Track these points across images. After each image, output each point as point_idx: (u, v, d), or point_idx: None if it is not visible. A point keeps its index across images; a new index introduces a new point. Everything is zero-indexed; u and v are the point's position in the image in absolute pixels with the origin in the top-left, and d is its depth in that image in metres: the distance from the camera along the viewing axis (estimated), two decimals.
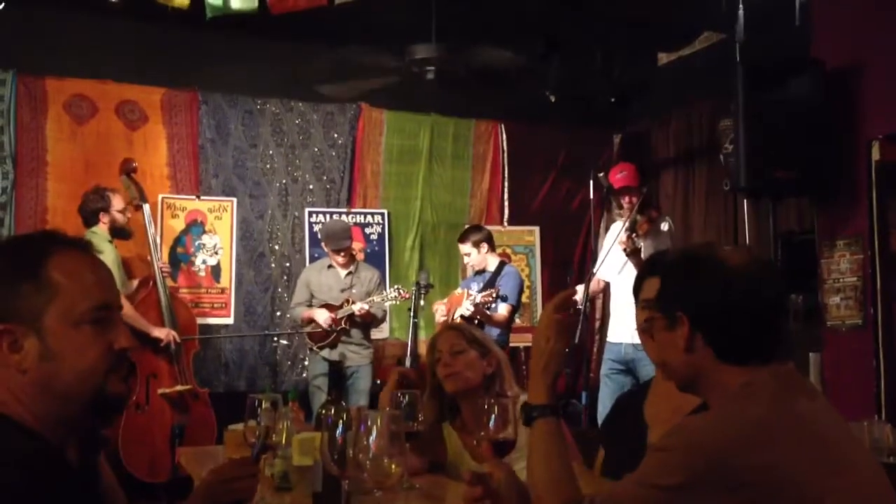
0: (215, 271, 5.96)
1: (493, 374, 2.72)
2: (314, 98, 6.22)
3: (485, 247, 5.61)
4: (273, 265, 6.14)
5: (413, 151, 6.54)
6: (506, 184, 6.80)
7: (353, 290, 5.51)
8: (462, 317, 5.23)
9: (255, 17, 4.60)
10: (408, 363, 5.08)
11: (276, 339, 6.07)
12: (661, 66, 6.31)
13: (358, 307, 5.36)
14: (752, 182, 4.19)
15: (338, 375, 2.72)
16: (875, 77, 4.14)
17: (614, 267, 5.21)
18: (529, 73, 5.64)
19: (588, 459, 2.24)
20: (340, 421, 1.79)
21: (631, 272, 4.73)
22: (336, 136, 6.35)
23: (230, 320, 5.97)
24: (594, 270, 5.34)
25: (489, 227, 6.03)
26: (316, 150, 6.29)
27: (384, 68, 5.44)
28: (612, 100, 5.99)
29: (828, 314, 4.29)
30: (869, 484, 1.44)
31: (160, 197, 5.78)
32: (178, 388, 5.05)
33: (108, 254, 4.81)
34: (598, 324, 6.59)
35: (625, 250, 4.94)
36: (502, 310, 5.40)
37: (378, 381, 5.58)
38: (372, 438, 1.70)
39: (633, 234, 4.95)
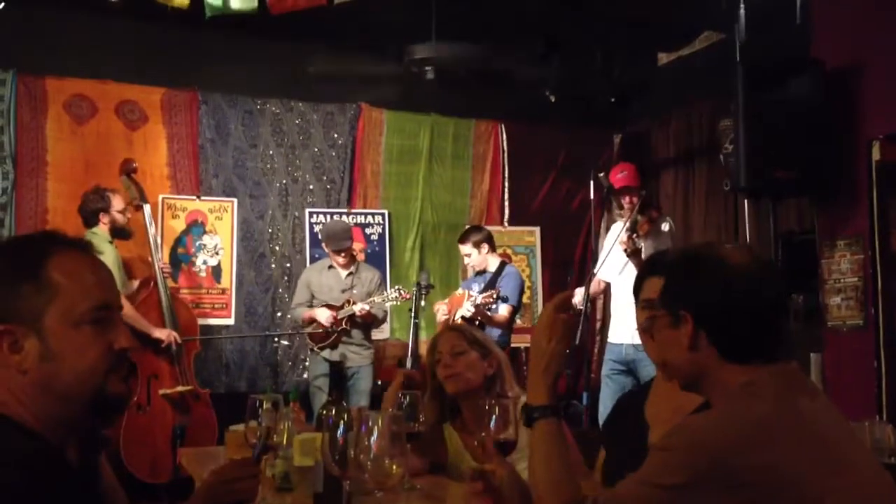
0: (216, 272, 5.96)
1: (493, 374, 2.72)
2: (314, 98, 6.22)
3: (485, 247, 5.60)
4: (273, 266, 6.14)
5: (413, 151, 6.54)
6: (506, 184, 6.80)
7: (354, 291, 5.50)
8: (463, 318, 5.22)
9: (254, 17, 4.60)
10: (409, 364, 5.08)
11: (276, 339, 6.07)
12: (661, 66, 6.31)
13: (359, 308, 5.36)
14: (753, 182, 4.18)
15: (338, 376, 2.73)
16: (875, 77, 4.13)
17: (615, 267, 5.21)
18: (530, 72, 5.64)
19: (589, 460, 2.24)
20: (341, 421, 1.79)
21: (632, 272, 4.72)
22: (336, 136, 6.35)
23: (231, 321, 5.97)
24: (595, 271, 5.34)
25: (489, 228, 6.02)
26: (316, 150, 6.29)
27: (384, 68, 5.45)
28: (612, 100, 5.99)
29: (828, 314, 4.29)
30: (870, 484, 1.44)
31: (160, 197, 5.78)
32: (180, 388, 5.06)
33: (109, 254, 4.81)
34: (598, 324, 6.59)
35: (625, 250, 4.94)
36: (503, 310, 5.40)
37: (379, 382, 5.58)
38: (373, 439, 1.70)
39: (634, 235, 4.95)
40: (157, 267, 5.24)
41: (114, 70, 5.64)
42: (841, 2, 4.33)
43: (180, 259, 5.87)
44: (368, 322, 5.50)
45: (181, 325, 5.26)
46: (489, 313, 5.31)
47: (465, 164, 6.71)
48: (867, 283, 4.13)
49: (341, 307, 5.43)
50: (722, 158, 4.92)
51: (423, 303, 5.35)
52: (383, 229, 6.40)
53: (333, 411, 1.90)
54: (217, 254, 5.97)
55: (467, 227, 6.00)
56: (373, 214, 6.40)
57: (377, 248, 6.37)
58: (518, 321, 5.86)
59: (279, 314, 6.09)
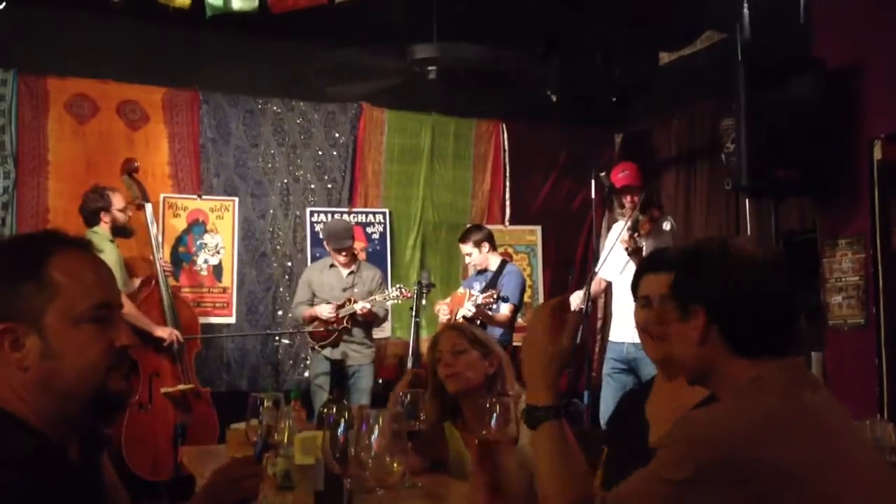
0: (217, 271, 5.96)
1: (494, 373, 2.73)
2: (315, 97, 6.22)
3: (486, 246, 5.61)
4: (275, 264, 6.15)
5: (414, 151, 6.54)
6: (507, 183, 6.80)
7: (355, 290, 5.51)
8: (464, 317, 5.23)
9: (255, 17, 4.60)
10: (409, 363, 5.09)
11: (277, 338, 6.08)
12: (662, 66, 6.31)
13: (360, 306, 5.37)
14: (754, 181, 4.18)
15: (339, 374, 2.72)
16: (877, 76, 4.13)
17: (616, 266, 5.21)
18: (531, 72, 5.64)
19: (589, 459, 2.24)
20: (342, 420, 1.79)
21: (633, 272, 4.71)
22: (337, 135, 6.35)
23: (232, 319, 5.97)
24: (596, 270, 5.34)
25: (490, 227, 6.03)
26: (317, 149, 6.30)
27: (385, 68, 5.45)
28: (614, 99, 5.99)
29: (830, 313, 4.29)
30: (874, 480, 1.44)
31: (162, 196, 5.79)
32: (181, 387, 5.06)
33: (110, 253, 4.81)
34: (599, 323, 6.59)
35: (627, 250, 4.94)
36: (504, 310, 5.40)
37: (380, 381, 5.59)
38: (374, 437, 1.70)
39: (635, 234, 4.95)
40: (158, 266, 5.24)
41: (115, 70, 5.64)
42: (842, 1, 4.33)
43: (181, 258, 5.87)
44: (369, 321, 5.51)
45: (182, 323, 5.26)
46: (490, 313, 5.32)
47: (466, 163, 6.71)
48: (868, 282, 4.13)
49: (342, 306, 5.43)
50: (723, 158, 4.91)
51: (423, 302, 5.35)
52: (384, 228, 6.40)
53: (334, 409, 1.90)
54: (218, 253, 5.97)
55: (468, 226, 6.01)
56: (374, 213, 6.40)
57: (378, 247, 6.37)
58: (520, 320, 5.86)
59: (280, 313, 6.09)
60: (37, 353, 1.36)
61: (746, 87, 4.16)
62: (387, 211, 6.44)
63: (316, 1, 4.57)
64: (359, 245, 6.08)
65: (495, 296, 5.25)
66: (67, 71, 5.57)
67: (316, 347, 5.50)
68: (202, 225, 5.93)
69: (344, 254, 5.51)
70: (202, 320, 5.65)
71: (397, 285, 5.62)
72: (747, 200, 5.13)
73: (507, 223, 6.77)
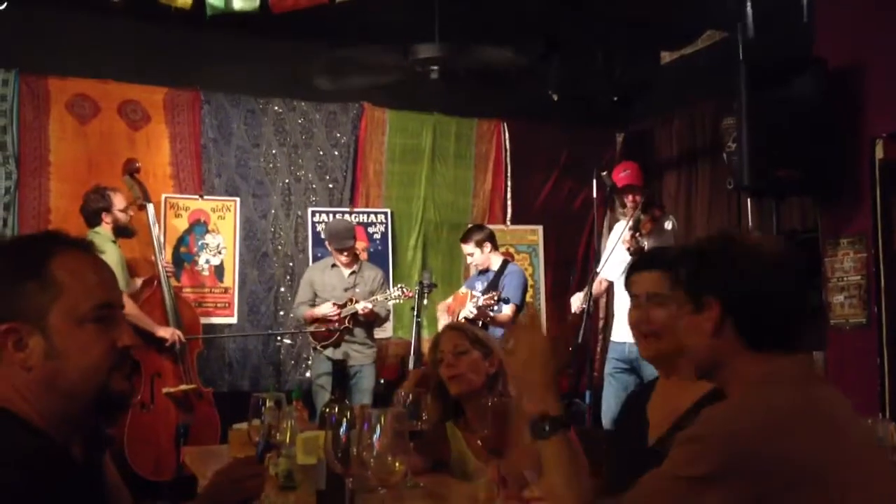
0: (219, 271, 5.97)
1: (495, 373, 2.73)
2: (317, 97, 6.22)
3: (488, 246, 5.61)
4: (276, 265, 6.15)
5: (416, 151, 6.54)
6: (508, 183, 6.80)
7: (357, 290, 5.51)
8: (466, 318, 5.23)
9: (256, 17, 4.60)
10: (411, 363, 5.09)
11: (279, 338, 6.08)
12: (663, 65, 6.31)
13: (361, 306, 5.37)
14: (756, 181, 4.18)
15: (341, 373, 2.72)
16: (878, 76, 4.13)
17: (618, 266, 5.21)
18: (532, 72, 5.64)
19: (590, 458, 2.24)
20: (344, 419, 1.79)
21: None
22: (339, 135, 6.35)
23: (234, 320, 5.97)
24: (598, 269, 5.34)
25: (492, 227, 6.03)
26: (319, 149, 6.30)
27: (386, 67, 5.44)
28: (615, 99, 5.99)
29: (831, 312, 4.29)
30: (882, 475, 1.44)
31: (163, 197, 5.79)
32: (183, 387, 5.06)
33: (112, 254, 4.80)
34: (601, 323, 6.58)
35: (628, 249, 4.94)
36: (506, 310, 5.40)
37: (381, 381, 5.59)
38: (376, 437, 1.70)
39: (637, 233, 4.95)
40: (160, 266, 5.24)
41: (116, 70, 5.64)
42: (843, 1, 4.33)
43: (183, 258, 5.87)
44: (371, 321, 5.51)
45: (184, 324, 5.27)
46: (491, 314, 5.32)
47: (467, 163, 6.71)
48: (870, 282, 4.13)
49: (344, 305, 5.44)
50: (725, 157, 4.91)
51: (425, 301, 5.35)
52: (386, 228, 6.40)
53: (336, 409, 1.90)
54: (220, 253, 5.98)
55: (470, 226, 6.00)
56: (375, 213, 6.40)
57: (380, 247, 6.37)
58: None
59: (282, 313, 6.09)
60: (40, 353, 1.37)
61: (748, 87, 4.16)
62: (388, 211, 6.44)
63: (316, 1, 4.57)
64: (360, 245, 6.08)
65: (496, 297, 5.26)
66: (69, 71, 5.57)
67: (318, 347, 5.51)
68: (204, 225, 5.94)
69: (346, 254, 5.52)
70: (204, 320, 5.65)
71: (399, 285, 5.62)
72: (749, 200, 5.12)
73: (508, 223, 6.76)
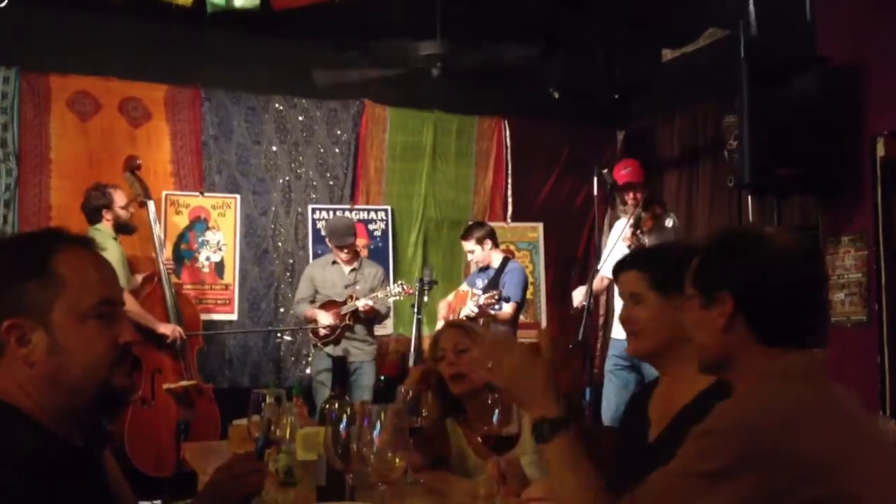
0: (219, 268, 5.97)
1: None
2: (317, 94, 6.22)
3: (488, 243, 5.61)
4: (277, 262, 6.15)
5: (416, 148, 6.54)
6: (509, 180, 6.80)
7: (357, 287, 5.51)
8: (467, 317, 5.24)
9: (257, 14, 4.60)
10: (411, 360, 5.09)
11: (279, 335, 6.09)
12: (665, 63, 6.29)
13: (362, 303, 5.37)
14: (757, 179, 4.18)
15: (341, 370, 2.72)
16: (879, 74, 4.13)
17: None
18: (533, 69, 5.63)
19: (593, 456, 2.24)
20: (344, 416, 1.79)
21: None
22: (339, 132, 6.35)
23: (234, 316, 5.98)
24: (598, 267, 5.33)
25: (492, 224, 6.03)
26: (319, 146, 6.30)
27: (387, 64, 5.44)
28: (616, 96, 5.98)
29: (832, 310, 4.28)
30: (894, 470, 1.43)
31: (164, 194, 5.79)
32: (183, 383, 5.07)
33: (113, 251, 4.81)
34: (601, 320, 6.58)
35: (629, 247, 4.94)
36: (507, 308, 5.40)
37: (382, 378, 5.60)
38: (376, 433, 1.70)
39: (638, 231, 4.95)
40: (160, 263, 5.25)
41: (117, 67, 5.64)
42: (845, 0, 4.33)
43: (183, 255, 5.88)
44: (371, 317, 5.51)
45: (185, 320, 5.27)
46: (492, 312, 5.32)
47: (468, 160, 6.71)
48: (871, 279, 4.13)
49: (344, 303, 5.44)
50: (726, 155, 4.91)
51: (425, 298, 5.35)
52: (386, 225, 6.40)
53: (336, 406, 1.90)
54: (220, 250, 5.98)
55: (470, 223, 6.01)
56: (376, 210, 6.40)
57: (380, 244, 6.37)
58: (522, 317, 5.86)
59: (282, 310, 6.10)
60: (43, 349, 1.37)
61: (749, 85, 4.15)
62: (389, 208, 6.44)
63: None
64: (361, 242, 6.08)
65: (497, 296, 5.26)
66: (69, 68, 5.57)
67: (318, 344, 5.51)
68: (204, 222, 5.94)
69: (346, 251, 5.52)
70: (204, 317, 5.66)
71: (399, 282, 5.63)
72: (750, 197, 5.11)
73: (509, 220, 6.76)
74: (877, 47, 4.13)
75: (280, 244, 6.18)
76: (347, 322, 5.42)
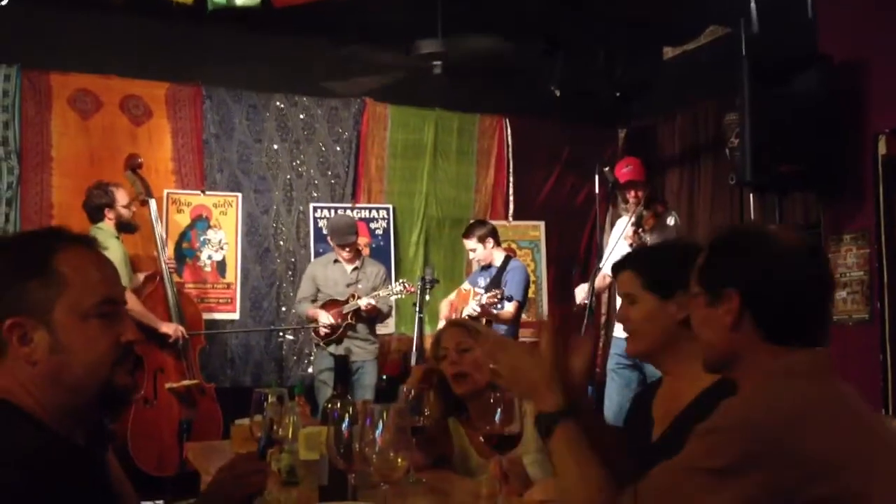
0: (221, 266, 5.97)
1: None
2: (318, 93, 6.22)
3: (490, 241, 5.60)
4: (278, 260, 6.15)
5: (418, 146, 6.54)
6: (510, 179, 6.80)
7: (359, 286, 5.51)
8: (469, 316, 5.24)
9: (258, 12, 4.60)
10: (413, 358, 5.09)
11: (281, 334, 6.09)
12: (666, 61, 6.29)
13: (364, 302, 5.37)
14: (758, 176, 4.17)
15: (343, 369, 2.72)
16: (881, 72, 4.12)
17: None
18: (534, 68, 5.63)
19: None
20: (346, 415, 1.79)
21: None
22: (341, 130, 6.35)
23: (236, 315, 5.98)
24: (600, 265, 5.33)
25: (494, 222, 6.02)
26: (320, 145, 6.30)
27: (388, 63, 5.44)
28: (617, 95, 5.98)
29: (834, 308, 4.28)
30: None
31: (165, 192, 5.79)
32: (185, 382, 5.08)
33: (115, 250, 4.81)
34: (603, 318, 6.58)
35: (631, 245, 4.93)
36: (509, 307, 5.40)
37: (384, 377, 5.59)
38: (378, 433, 1.70)
39: (640, 229, 4.94)
40: (162, 262, 5.25)
41: (118, 65, 5.64)
42: None
43: (185, 254, 5.88)
44: (373, 316, 5.51)
45: (187, 319, 5.27)
46: (495, 312, 5.32)
47: (469, 158, 6.70)
48: (873, 278, 4.13)
49: (346, 302, 5.44)
50: (727, 153, 4.91)
51: (427, 297, 5.35)
52: (388, 224, 6.40)
53: (338, 405, 1.90)
54: (222, 248, 5.98)
55: (472, 221, 6.00)
56: (377, 209, 6.40)
57: (382, 243, 6.37)
58: (524, 316, 5.86)
59: (284, 309, 6.10)
60: (45, 348, 1.38)
61: (751, 83, 4.15)
62: (390, 206, 6.44)
63: None
64: (362, 241, 6.08)
65: (499, 296, 5.26)
66: (70, 66, 5.57)
67: (320, 343, 5.51)
68: (206, 221, 5.94)
69: (347, 249, 5.52)
70: (206, 316, 5.66)
71: (401, 281, 5.63)
72: (751, 195, 5.11)
73: (510, 218, 6.76)
74: (878, 45, 4.13)
75: (282, 243, 6.18)
76: (349, 321, 5.42)
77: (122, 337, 1.43)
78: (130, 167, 5.33)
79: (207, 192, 5.95)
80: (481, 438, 1.87)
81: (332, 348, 5.42)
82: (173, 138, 5.88)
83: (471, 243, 5.63)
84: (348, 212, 6.17)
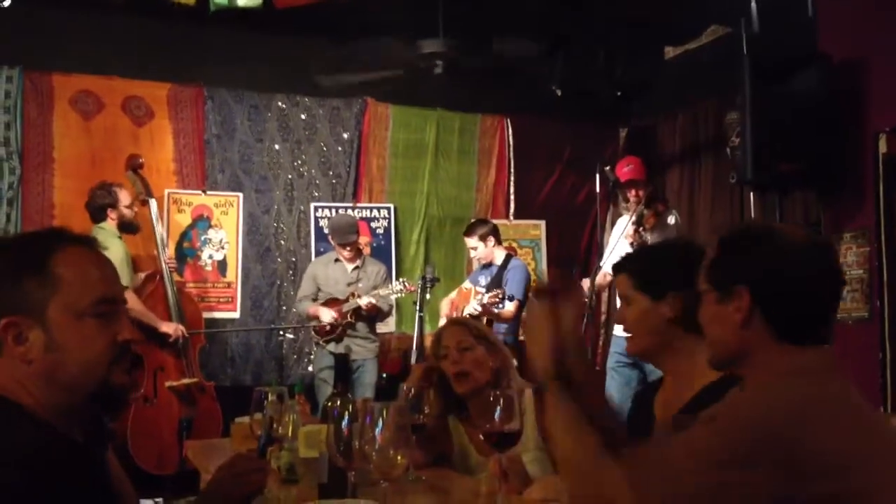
0: (221, 266, 5.98)
1: (499, 368, 2.72)
2: (320, 93, 6.22)
3: (491, 240, 5.61)
4: (279, 260, 6.16)
5: (419, 146, 6.54)
6: (511, 178, 6.80)
7: (360, 285, 5.52)
8: (470, 315, 5.24)
9: (259, 12, 4.60)
10: (414, 357, 5.10)
11: (282, 332, 6.09)
12: (667, 60, 6.30)
13: (364, 301, 5.38)
14: (759, 175, 4.18)
15: (343, 368, 2.72)
16: (882, 71, 4.13)
17: None
18: (535, 67, 5.64)
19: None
20: (346, 413, 1.79)
21: None
22: (342, 130, 6.35)
23: (236, 314, 5.99)
24: (601, 264, 5.33)
25: (495, 221, 6.03)
26: (322, 144, 6.30)
27: (390, 63, 5.45)
28: (618, 94, 5.98)
29: None
30: None
31: (166, 192, 5.80)
32: (186, 381, 5.09)
33: (117, 249, 4.81)
34: (603, 317, 6.58)
35: (632, 244, 4.94)
36: (510, 306, 5.41)
37: (384, 375, 5.60)
38: (378, 430, 1.71)
39: (640, 228, 4.95)
40: (163, 261, 5.26)
41: (120, 66, 5.65)
42: None
43: (186, 253, 5.89)
44: (374, 315, 5.52)
45: (187, 318, 5.28)
46: (496, 311, 5.33)
47: (470, 158, 6.71)
48: (873, 276, 4.13)
49: (346, 300, 5.45)
50: (728, 152, 4.90)
51: (428, 296, 5.36)
52: (389, 223, 6.41)
53: (338, 403, 1.90)
54: (223, 248, 5.99)
55: (473, 220, 6.01)
56: (378, 208, 6.41)
57: (383, 242, 6.38)
58: (525, 315, 5.86)
59: (284, 308, 6.10)
60: (40, 347, 1.38)
61: (751, 81, 4.15)
62: (391, 206, 6.44)
63: None
64: (363, 240, 6.09)
65: (500, 295, 5.26)
66: (72, 67, 5.58)
67: (320, 342, 5.52)
68: (207, 220, 5.95)
69: (348, 249, 5.53)
70: (206, 315, 5.67)
71: (401, 279, 5.63)
72: (752, 194, 5.11)
73: (511, 217, 6.77)
74: (878, 44, 4.13)
75: (282, 242, 6.19)
76: (350, 320, 5.43)
77: (119, 336, 1.44)
78: (131, 167, 5.34)
79: (208, 192, 5.96)
80: (481, 436, 1.88)
81: (332, 347, 5.43)
82: (175, 139, 5.89)
83: (472, 241, 5.64)
84: (349, 211, 6.17)
